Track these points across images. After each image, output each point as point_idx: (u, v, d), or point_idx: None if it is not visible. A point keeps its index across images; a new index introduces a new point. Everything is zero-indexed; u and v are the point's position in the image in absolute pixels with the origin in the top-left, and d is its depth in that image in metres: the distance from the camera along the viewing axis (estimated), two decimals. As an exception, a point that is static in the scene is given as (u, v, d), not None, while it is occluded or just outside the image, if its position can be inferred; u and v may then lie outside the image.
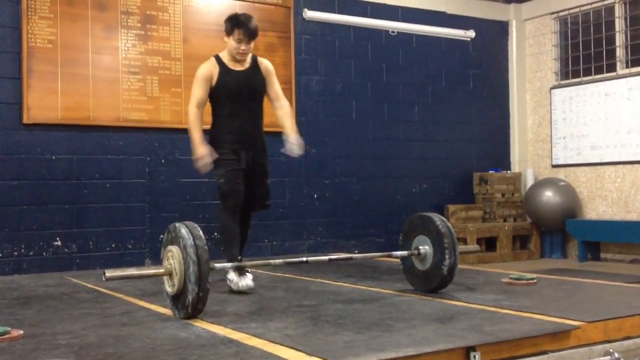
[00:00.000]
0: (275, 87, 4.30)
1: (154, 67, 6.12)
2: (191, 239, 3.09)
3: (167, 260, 3.21)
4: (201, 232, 3.16)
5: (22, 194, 5.60)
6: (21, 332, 2.85)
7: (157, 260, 6.07)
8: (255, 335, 2.75)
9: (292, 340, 2.65)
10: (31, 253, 5.61)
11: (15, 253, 5.54)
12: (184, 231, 3.13)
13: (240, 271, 3.98)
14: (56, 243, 5.70)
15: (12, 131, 5.58)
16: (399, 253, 3.86)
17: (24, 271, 5.53)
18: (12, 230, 5.54)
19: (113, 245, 5.93)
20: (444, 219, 3.80)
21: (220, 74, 4.15)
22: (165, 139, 6.20)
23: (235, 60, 4.19)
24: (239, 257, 4.13)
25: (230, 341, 2.67)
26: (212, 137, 4.20)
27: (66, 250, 5.74)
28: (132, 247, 6.01)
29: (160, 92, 6.13)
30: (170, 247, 3.21)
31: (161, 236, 6.09)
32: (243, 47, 4.12)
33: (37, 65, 5.63)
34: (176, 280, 3.12)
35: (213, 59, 4.22)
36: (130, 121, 6.00)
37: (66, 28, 5.75)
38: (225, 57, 4.21)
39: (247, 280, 3.94)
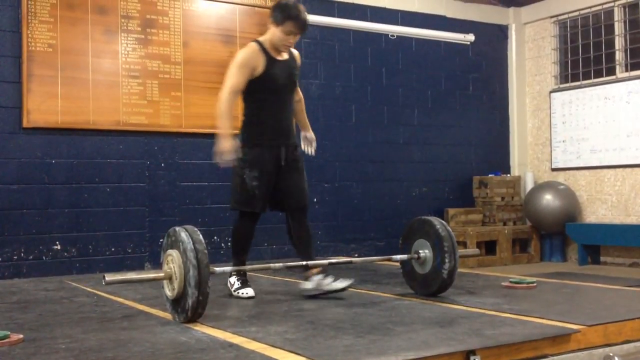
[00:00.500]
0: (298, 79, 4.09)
1: (153, 71, 6.12)
2: (191, 242, 3.08)
3: (167, 264, 3.20)
4: (201, 236, 3.15)
5: (22, 198, 5.59)
6: (21, 336, 2.85)
7: (157, 264, 6.07)
8: (255, 339, 2.75)
9: (292, 344, 2.65)
10: (31, 257, 5.61)
11: (15, 257, 5.54)
12: (183, 235, 3.12)
13: (243, 278, 3.93)
14: (56, 247, 5.70)
15: (12, 135, 5.59)
16: (399, 257, 3.85)
17: (24, 275, 5.53)
18: (11, 234, 5.53)
19: (113, 249, 5.93)
20: (444, 222, 3.79)
21: (267, 64, 3.81)
22: (165, 142, 6.21)
23: (276, 49, 3.87)
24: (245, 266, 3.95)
25: (230, 345, 2.67)
26: (246, 133, 3.93)
27: (66, 254, 5.74)
28: (131, 251, 6.00)
29: (160, 96, 6.14)
30: (170, 251, 3.20)
31: (161, 240, 6.10)
32: (292, 40, 3.84)
33: (37, 69, 5.64)
34: (176, 284, 3.11)
35: (256, 46, 3.83)
36: (130, 125, 6.00)
37: (66, 32, 5.76)
38: (266, 44, 3.86)
39: (248, 290, 3.87)
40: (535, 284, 4.14)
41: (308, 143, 4.23)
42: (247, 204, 3.84)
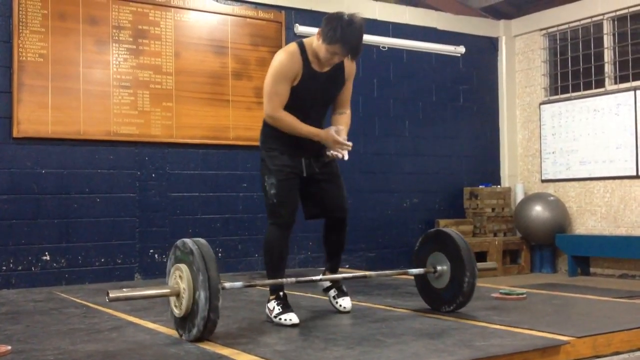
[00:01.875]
0: (347, 92, 3.64)
1: (145, 82, 6.12)
2: (201, 257, 2.89)
3: (174, 279, 3.01)
4: (211, 250, 2.97)
5: (11, 208, 5.57)
6: (9, 347, 2.83)
7: (147, 275, 6.06)
8: (244, 351, 2.74)
9: (282, 355, 2.65)
10: (20, 268, 5.57)
11: (4, 268, 5.50)
12: (193, 249, 2.93)
13: (284, 301, 3.41)
14: (45, 258, 5.67)
15: (2, 145, 5.56)
16: (415, 271, 3.66)
17: (13, 286, 5.49)
18: (0, 245, 5.50)
19: (102, 260, 5.90)
20: (461, 235, 3.63)
21: (304, 76, 3.40)
22: (156, 153, 6.20)
23: (318, 60, 3.42)
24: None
25: (220, 357, 2.66)
26: (263, 135, 3.56)
27: (55, 265, 5.70)
28: (121, 262, 5.98)
29: (151, 107, 6.13)
30: (178, 266, 3.01)
31: (151, 251, 6.12)
32: (337, 60, 3.40)
33: (28, 79, 5.62)
34: (184, 300, 2.92)
35: (297, 52, 3.39)
36: (120, 135, 6.00)
37: (57, 42, 5.76)
38: (309, 50, 3.41)
39: (291, 315, 3.33)
40: (525, 296, 4.15)
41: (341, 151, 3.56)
42: (271, 214, 3.50)
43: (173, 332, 3.20)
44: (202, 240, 3.01)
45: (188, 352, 2.76)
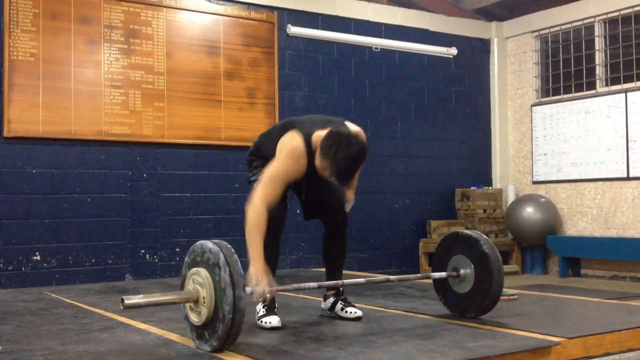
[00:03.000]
0: (354, 180, 3.60)
1: (136, 81, 6.10)
2: (224, 260, 2.66)
3: (191, 284, 2.78)
4: (234, 252, 2.74)
5: (2, 208, 5.53)
6: (-2, 348, 2.81)
7: (138, 275, 6.04)
8: (236, 351, 2.73)
9: (273, 356, 2.64)
10: (10, 268, 5.54)
11: (-6, 268, 5.48)
12: (215, 251, 2.70)
13: (270, 304, 3.34)
14: (35, 258, 5.64)
15: (-8, 144, 5.54)
16: (436, 274, 3.54)
17: (3, 286, 5.46)
18: (-10, 245, 5.48)
19: (93, 260, 5.88)
20: (487, 238, 3.48)
21: (306, 176, 3.32)
22: (148, 153, 6.18)
23: None
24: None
25: (212, 357, 2.65)
26: (259, 144, 3.57)
27: (45, 265, 5.68)
28: (112, 262, 5.96)
29: (142, 106, 6.12)
30: (196, 270, 2.76)
31: (142, 251, 6.10)
32: (326, 174, 3.24)
33: (19, 79, 5.60)
34: (205, 307, 2.69)
35: (304, 151, 3.24)
36: (112, 135, 5.98)
37: (49, 41, 5.73)
38: (315, 146, 3.24)
39: (271, 318, 3.28)
40: (516, 297, 4.16)
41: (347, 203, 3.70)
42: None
43: (164, 333, 3.19)
44: (222, 242, 2.78)
45: (179, 353, 2.75)
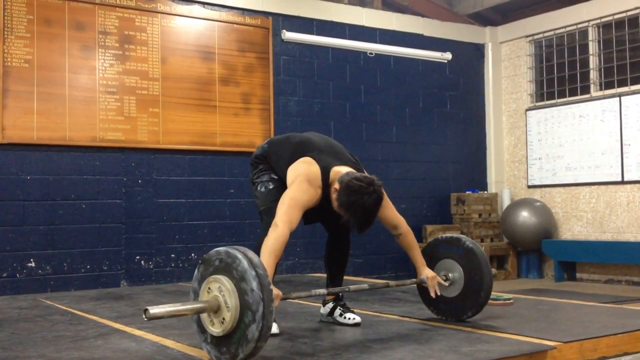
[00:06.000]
0: (388, 212, 3.52)
1: (131, 87, 6.10)
2: (251, 266, 2.48)
3: (210, 292, 2.57)
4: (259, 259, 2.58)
5: (-4, 215, 5.52)
6: (-8, 355, 2.80)
7: (133, 281, 6.02)
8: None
9: (268, 362, 2.63)
10: (4, 274, 5.52)
11: (-12, 274, 5.46)
12: (239, 257, 2.51)
13: None
14: (30, 264, 5.62)
15: (-13, 151, 5.52)
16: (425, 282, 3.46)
17: (-3, 293, 5.44)
18: (-15, 252, 5.45)
19: (88, 267, 5.86)
20: (474, 240, 3.48)
21: (319, 206, 3.27)
22: (143, 159, 6.17)
23: None
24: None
25: (206, 364, 2.64)
26: (268, 153, 3.56)
27: (40, 271, 5.66)
28: (107, 269, 5.94)
29: (137, 112, 6.11)
30: (216, 277, 2.55)
31: (137, 257, 6.09)
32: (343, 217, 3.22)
33: (13, 85, 5.59)
34: (227, 316, 2.49)
35: (320, 184, 3.23)
36: (107, 141, 5.97)
37: (43, 48, 5.73)
38: (331, 179, 3.24)
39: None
40: (512, 301, 4.16)
41: (431, 288, 3.44)
42: (263, 224, 3.42)
43: (159, 339, 3.18)
44: (244, 248, 2.59)
45: (174, 359, 2.74)
